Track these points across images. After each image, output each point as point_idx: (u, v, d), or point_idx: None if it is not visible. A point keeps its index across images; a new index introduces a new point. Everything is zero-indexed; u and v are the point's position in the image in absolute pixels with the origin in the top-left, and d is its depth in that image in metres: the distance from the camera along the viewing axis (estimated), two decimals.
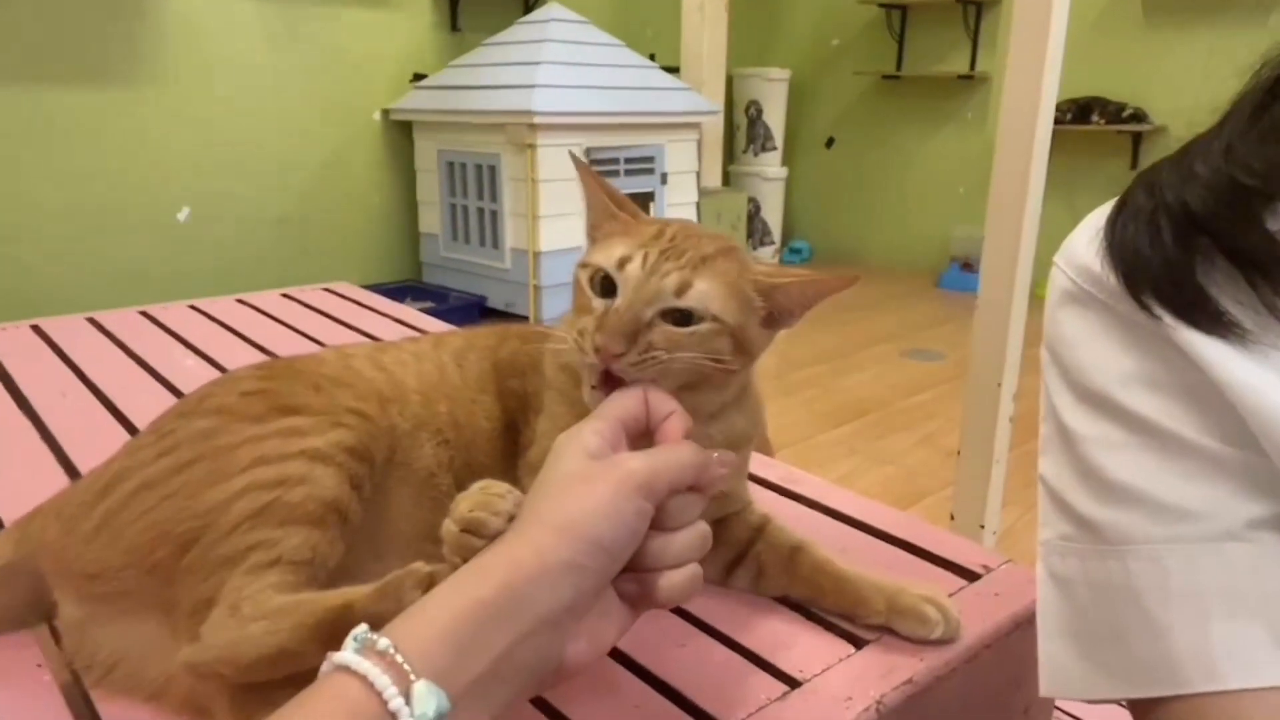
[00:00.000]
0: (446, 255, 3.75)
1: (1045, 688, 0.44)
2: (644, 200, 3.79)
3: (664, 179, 3.81)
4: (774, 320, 0.53)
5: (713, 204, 4.15)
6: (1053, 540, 0.45)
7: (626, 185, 3.69)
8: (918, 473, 2.56)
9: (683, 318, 0.49)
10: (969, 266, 4.44)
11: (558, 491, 0.41)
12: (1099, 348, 0.44)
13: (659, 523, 0.43)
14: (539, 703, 0.49)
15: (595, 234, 0.56)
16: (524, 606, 0.37)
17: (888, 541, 0.69)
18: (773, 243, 5.20)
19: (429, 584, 0.41)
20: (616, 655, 0.54)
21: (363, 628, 0.36)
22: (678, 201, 3.91)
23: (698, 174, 4.00)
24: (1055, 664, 0.44)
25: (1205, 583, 0.39)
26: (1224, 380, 0.39)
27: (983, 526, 1.88)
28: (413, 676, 0.34)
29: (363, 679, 0.34)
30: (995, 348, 1.75)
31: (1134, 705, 0.42)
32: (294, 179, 3.52)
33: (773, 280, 0.52)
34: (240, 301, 1.32)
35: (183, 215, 3.25)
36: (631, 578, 0.42)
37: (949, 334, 3.82)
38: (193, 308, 1.27)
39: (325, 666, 0.35)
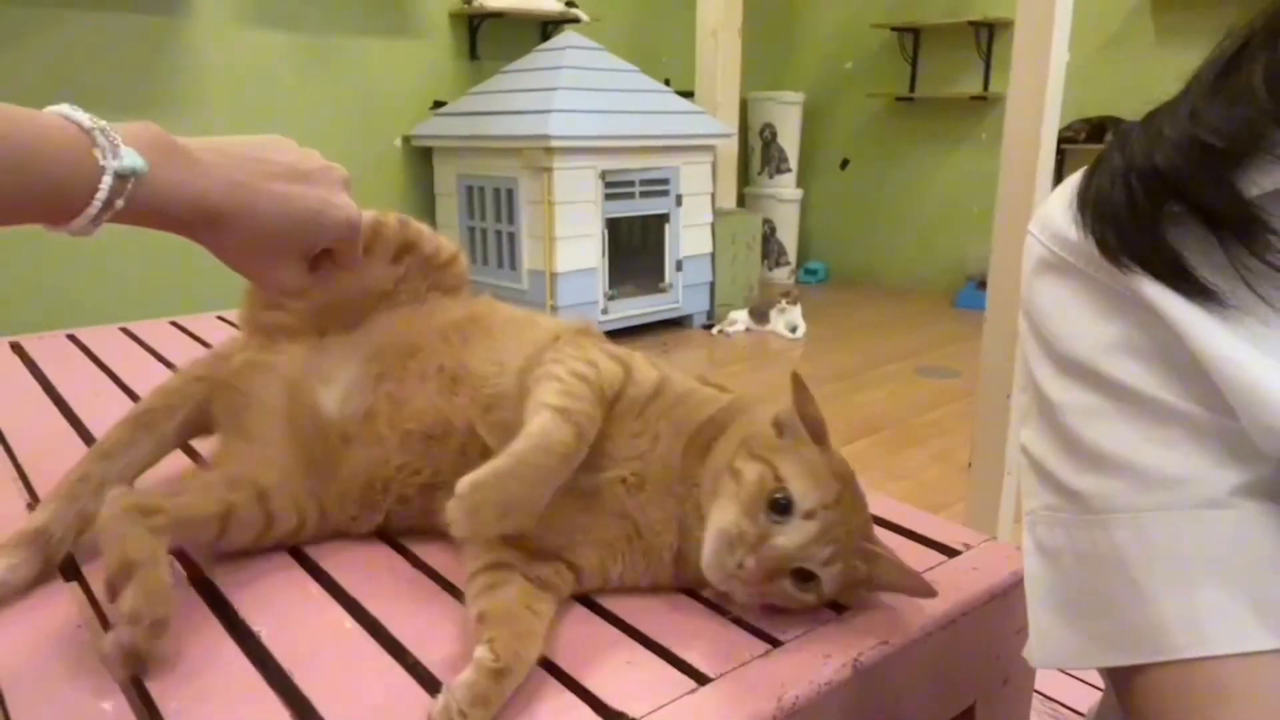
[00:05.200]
0: None
1: (1035, 657, 0.44)
2: (659, 221, 3.85)
3: (679, 200, 3.87)
4: None
5: (728, 225, 4.20)
6: (1038, 510, 0.44)
7: (642, 207, 3.76)
8: (931, 487, 2.57)
9: None
10: (985, 285, 4.43)
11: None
12: (1077, 315, 0.43)
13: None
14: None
15: None
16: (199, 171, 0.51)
17: (876, 524, 0.71)
18: (788, 264, 5.24)
19: None
20: (610, 617, 0.58)
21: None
22: (693, 223, 3.96)
23: (712, 195, 4.06)
24: (1044, 634, 0.44)
25: (1189, 550, 0.39)
26: (1203, 353, 0.39)
27: (994, 538, 1.89)
28: (120, 141, 0.43)
29: (77, 123, 0.43)
30: (1005, 360, 1.78)
31: (1115, 673, 0.42)
32: None
33: None
34: None
35: None
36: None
37: (964, 352, 3.82)
38: (220, 318, 1.33)
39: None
